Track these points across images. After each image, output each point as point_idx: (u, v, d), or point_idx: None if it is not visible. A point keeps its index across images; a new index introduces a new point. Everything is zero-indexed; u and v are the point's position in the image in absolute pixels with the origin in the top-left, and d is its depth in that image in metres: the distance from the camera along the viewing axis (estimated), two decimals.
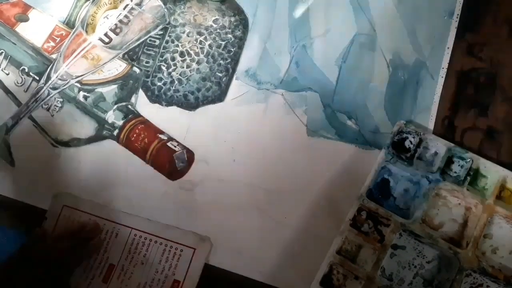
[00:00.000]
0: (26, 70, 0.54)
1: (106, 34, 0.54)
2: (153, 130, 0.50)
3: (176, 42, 0.53)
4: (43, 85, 0.53)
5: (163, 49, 0.53)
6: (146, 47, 0.54)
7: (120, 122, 0.51)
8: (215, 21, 0.53)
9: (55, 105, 0.53)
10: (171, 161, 0.48)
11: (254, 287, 0.44)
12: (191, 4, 0.54)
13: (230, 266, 0.45)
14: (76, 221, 0.48)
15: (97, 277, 0.46)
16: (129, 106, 0.52)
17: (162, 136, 0.50)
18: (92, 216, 0.48)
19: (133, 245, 0.47)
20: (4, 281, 0.41)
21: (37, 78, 0.54)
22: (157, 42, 0.53)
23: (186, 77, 0.52)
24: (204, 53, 0.52)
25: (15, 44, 0.55)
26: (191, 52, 0.52)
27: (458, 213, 0.43)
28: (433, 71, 0.48)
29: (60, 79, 0.53)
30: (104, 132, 0.51)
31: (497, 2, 0.49)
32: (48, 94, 0.53)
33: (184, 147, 0.49)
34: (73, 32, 0.55)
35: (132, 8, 0.54)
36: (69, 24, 0.56)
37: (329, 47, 0.50)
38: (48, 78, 0.53)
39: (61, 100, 0.53)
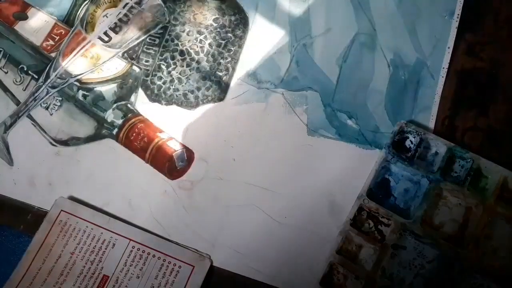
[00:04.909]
0: (25, 69, 0.54)
1: (105, 33, 0.54)
2: (152, 129, 0.50)
3: (176, 41, 0.53)
4: (42, 83, 0.53)
5: (162, 48, 0.53)
6: (145, 46, 0.53)
7: (119, 121, 0.50)
8: (215, 20, 0.53)
9: (54, 104, 0.52)
10: (170, 160, 0.48)
11: (254, 287, 0.44)
12: (191, 3, 0.54)
13: (229, 266, 0.45)
14: None
15: None
16: (129, 105, 0.52)
17: (161, 135, 0.49)
18: (90, 224, 0.48)
19: (130, 257, 0.46)
20: None
21: (36, 77, 0.54)
22: (157, 41, 0.53)
23: (186, 76, 0.52)
24: (204, 52, 0.52)
25: (13, 42, 0.55)
26: (191, 51, 0.52)
27: (459, 213, 0.43)
28: (433, 70, 0.48)
29: (59, 78, 0.53)
30: (103, 131, 0.51)
31: (497, 2, 0.49)
32: (47, 93, 0.53)
33: (184, 146, 0.49)
34: (72, 31, 0.55)
35: (132, 7, 0.54)
36: (69, 22, 0.56)
37: (330, 46, 0.50)
38: (47, 76, 0.53)
39: (60, 99, 0.53)
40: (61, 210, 0.48)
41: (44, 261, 0.46)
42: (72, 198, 0.49)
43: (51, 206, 0.49)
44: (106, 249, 0.47)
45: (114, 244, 0.47)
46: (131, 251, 0.46)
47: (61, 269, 0.46)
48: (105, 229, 0.47)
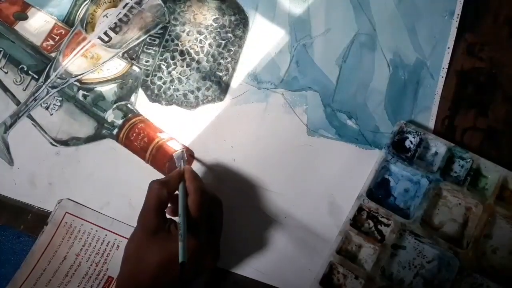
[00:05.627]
0: (25, 69, 0.54)
1: (105, 33, 0.54)
2: (152, 129, 0.50)
3: (176, 41, 0.53)
4: (42, 83, 0.53)
5: (163, 48, 0.53)
6: (145, 46, 0.53)
7: (119, 121, 0.51)
8: (215, 20, 0.53)
9: (54, 104, 0.53)
10: (170, 160, 0.48)
11: (254, 287, 0.44)
12: (191, 3, 0.54)
13: (230, 266, 0.45)
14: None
15: None
16: (129, 105, 0.52)
17: (161, 135, 0.49)
18: (94, 225, 0.48)
19: None
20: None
21: (36, 77, 0.54)
22: (157, 41, 0.53)
23: (186, 76, 0.52)
24: (204, 52, 0.52)
25: (14, 42, 0.55)
26: (191, 51, 0.52)
27: (458, 213, 0.43)
28: (433, 70, 0.48)
29: (59, 78, 0.53)
30: (104, 131, 0.51)
31: (497, 2, 0.49)
32: (47, 93, 0.53)
33: (184, 146, 0.49)
34: (73, 31, 0.55)
35: (132, 7, 0.54)
36: (69, 22, 0.56)
37: (330, 47, 0.50)
38: (47, 76, 0.53)
39: (60, 99, 0.53)
40: (66, 212, 0.48)
41: (49, 262, 0.47)
42: (73, 198, 0.49)
43: (54, 207, 0.49)
44: (110, 250, 0.47)
45: (118, 246, 0.47)
46: None
47: (66, 270, 0.46)
48: (109, 231, 0.47)
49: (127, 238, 0.46)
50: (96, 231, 0.47)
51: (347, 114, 0.48)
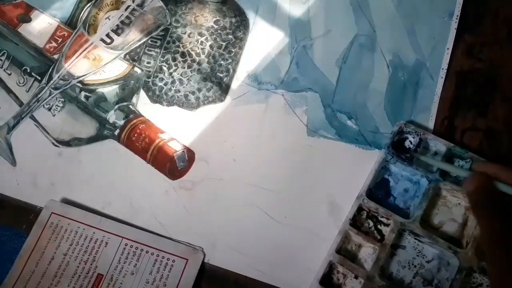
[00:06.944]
0: (28, 70, 0.55)
1: (107, 35, 0.54)
2: (154, 130, 0.50)
3: (177, 43, 0.53)
4: (44, 85, 0.53)
5: (164, 49, 0.53)
6: (147, 48, 0.54)
7: (121, 122, 0.51)
8: (216, 22, 0.53)
9: (56, 105, 0.53)
10: (171, 161, 0.48)
11: (254, 287, 0.45)
12: (192, 5, 0.55)
13: (230, 265, 0.45)
14: None
15: (85, 287, 0.45)
16: (130, 106, 0.52)
17: (163, 136, 0.50)
18: (82, 224, 0.48)
19: (123, 255, 0.46)
20: None
21: (39, 78, 0.54)
22: (158, 42, 0.54)
23: (187, 77, 0.52)
24: (205, 53, 0.53)
25: (17, 44, 0.56)
26: (192, 52, 0.53)
27: (458, 212, 0.43)
28: (433, 71, 0.48)
29: (61, 79, 0.53)
30: (105, 132, 0.51)
31: (496, 3, 0.49)
32: (50, 94, 0.53)
33: (184, 147, 0.49)
34: (75, 33, 0.55)
35: (133, 9, 0.55)
36: (71, 24, 0.56)
37: (329, 48, 0.50)
38: (50, 78, 0.54)
39: (63, 100, 0.53)
40: (52, 213, 0.48)
41: (37, 264, 0.46)
42: (74, 198, 0.50)
43: (43, 208, 0.49)
44: (99, 248, 0.47)
45: (106, 243, 0.47)
46: (124, 248, 0.46)
47: (54, 271, 0.46)
48: (97, 228, 0.47)
49: (115, 235, 0.47)
50: (84, 229, 0.47)
51: (347, 114, 0.48)
